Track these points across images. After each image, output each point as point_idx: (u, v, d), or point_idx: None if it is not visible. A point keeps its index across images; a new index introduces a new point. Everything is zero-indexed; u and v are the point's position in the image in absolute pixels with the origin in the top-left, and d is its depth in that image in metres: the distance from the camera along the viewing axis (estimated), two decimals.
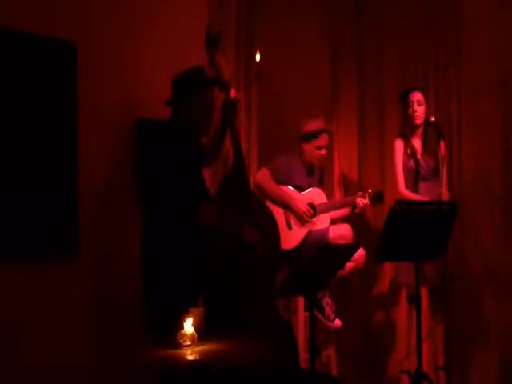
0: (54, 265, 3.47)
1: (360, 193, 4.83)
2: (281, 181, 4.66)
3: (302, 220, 4.60)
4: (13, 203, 3.31)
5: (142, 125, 3.90)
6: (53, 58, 3.51)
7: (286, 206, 4.59)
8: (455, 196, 4.83)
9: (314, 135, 4.70)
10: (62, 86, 3.55)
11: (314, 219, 4.64)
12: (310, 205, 4.66)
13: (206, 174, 3.66)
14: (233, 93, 3.58)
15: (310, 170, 4.81)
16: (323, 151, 4.74)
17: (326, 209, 4.73)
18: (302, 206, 4.60)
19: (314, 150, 4.72)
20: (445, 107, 5.08)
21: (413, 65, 5.26)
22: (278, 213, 4.53)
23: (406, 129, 4.81)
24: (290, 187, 4.67)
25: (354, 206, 4.74)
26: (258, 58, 5.00)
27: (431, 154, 4.69)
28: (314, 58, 5.55)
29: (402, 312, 4.76)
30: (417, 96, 4.75)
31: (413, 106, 4.73)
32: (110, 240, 3.75)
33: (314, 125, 4.72)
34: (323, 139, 4.74)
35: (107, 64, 3.80)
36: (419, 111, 4.73)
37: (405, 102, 4.79)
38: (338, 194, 5.31)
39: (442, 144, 4.43)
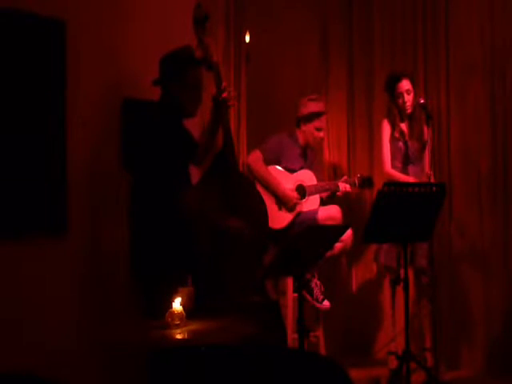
0: (42, 243, 3.45)
1: (345, 177, 4.85)
2: (272, 163, 4.65)
3: (292, 209, 4.59)
4: None
5: (130, 105, 3.88)
6: (42, 36, 3.47)
7: (275, 195, 4.58)
8: (443, 178, 4.85)
9: (318, 115, 4.70)
10: (50, 65, 3.52)
11: (303, 200, 4.64)
12: (300, 186, 4.66)
13: (193, 171, 3.64)
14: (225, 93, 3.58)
15: (303, 153, 4.81)
16: (322, 133, 4.76)
17: (316, 191, 4.73)
18: (292, 196, 4.58)
19: (314, 132, 4.73)
20: (433, 88, 5.08)
21: (401, 44, 5.26)
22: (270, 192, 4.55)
23: (395, 116, 4.69)
24: (279, 167, 4.66)
25: (336, 190, 4.74)
26: (247, 38, 4.98)
27: (415, 137, 4.68)
28: (304, 40, 5.54)
29: (388, 294, 4.77)
30: (405, 85, 4.61)
31: (403, 97, 4.61)
32: (99, 219, 3.74)
33: (317, 106, 4.74)
34: (323, 121, 4.76)
35: (96, 44, 3.76)
36: (409, 100, 4.62)
37: (393, 91, 4.64)
38: (326, 178, 5.32)
39: (425, 126, 4.46)
